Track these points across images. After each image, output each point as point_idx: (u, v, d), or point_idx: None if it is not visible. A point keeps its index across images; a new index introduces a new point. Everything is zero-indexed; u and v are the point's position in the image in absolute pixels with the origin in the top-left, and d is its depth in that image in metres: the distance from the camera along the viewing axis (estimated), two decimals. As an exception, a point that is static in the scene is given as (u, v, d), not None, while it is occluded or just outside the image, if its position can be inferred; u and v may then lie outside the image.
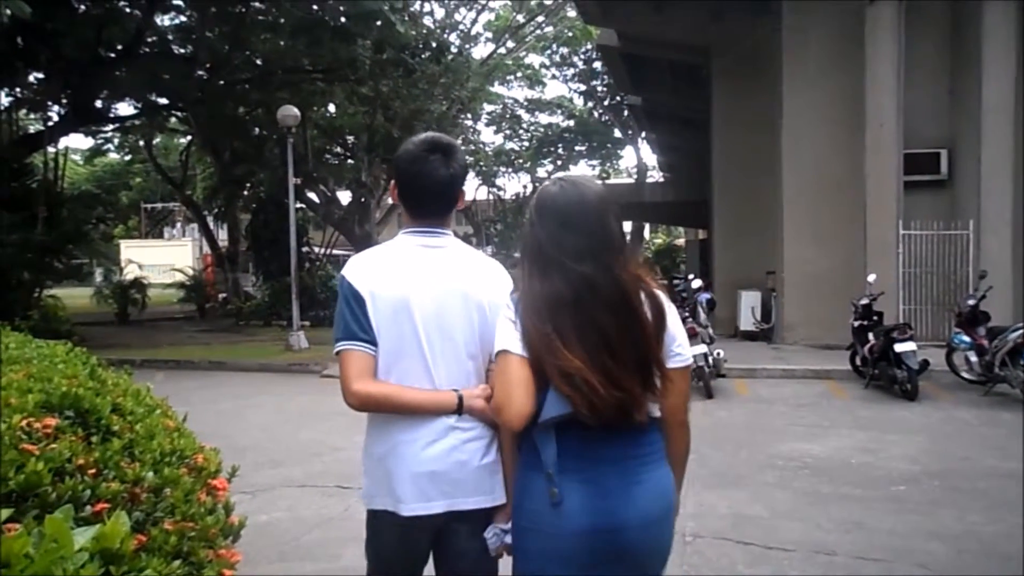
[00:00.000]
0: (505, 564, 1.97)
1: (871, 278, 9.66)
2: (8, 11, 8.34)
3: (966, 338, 8.53)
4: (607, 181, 36.48)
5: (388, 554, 2.05)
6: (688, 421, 1.93)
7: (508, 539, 1.91)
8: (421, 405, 1.93)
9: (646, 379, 1.78)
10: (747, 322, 13.80)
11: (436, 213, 2.03)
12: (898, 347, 8.17)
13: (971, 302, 8.76)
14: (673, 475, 1.90)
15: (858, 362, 9.34)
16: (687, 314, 9.40)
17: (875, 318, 9.16)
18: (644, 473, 1.80)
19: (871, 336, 8.90)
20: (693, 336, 8.78)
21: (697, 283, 10.11)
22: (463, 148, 2.21)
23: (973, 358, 8.49)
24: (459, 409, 1.93)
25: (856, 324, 9.26)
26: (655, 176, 37.29)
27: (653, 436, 1.84)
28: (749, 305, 13.86)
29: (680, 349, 1.86)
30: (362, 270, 1.97)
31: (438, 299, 1.95)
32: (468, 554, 1.98)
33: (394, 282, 1.94)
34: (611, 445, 1.77)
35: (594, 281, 1.76)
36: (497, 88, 31.75)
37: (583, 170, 41.41)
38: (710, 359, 8.70)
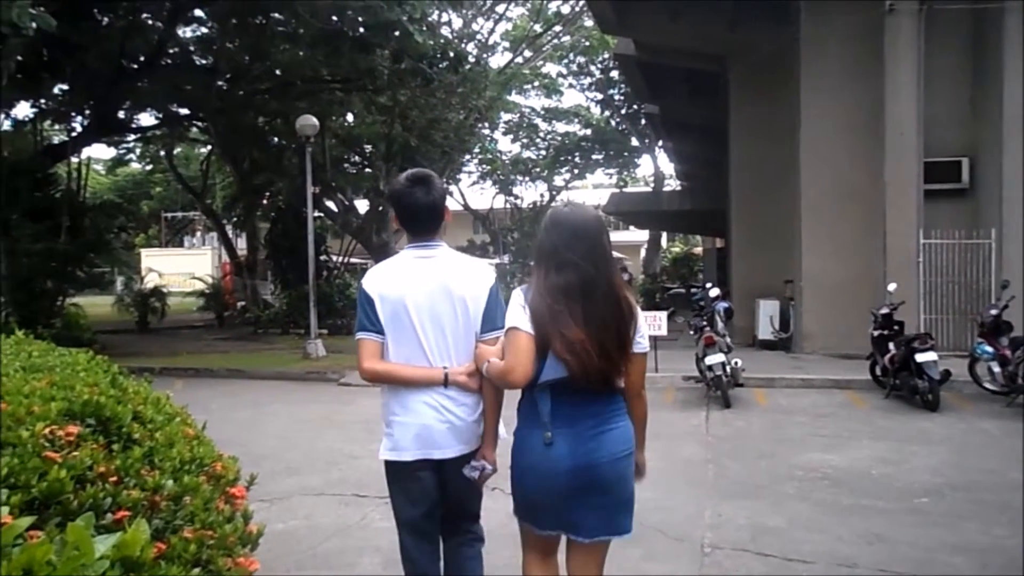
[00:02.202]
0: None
1: (891, 287, 9.55)
2: (34, 24, 8.47)
3: (989, 348, 8.42)
4: (624, 190, 36.47)
5: (407, 492, 2.69)
6: (643, 393, 2.59)
7: (474, 474, 2.62)
8: (415, 379, 2.60)
9: (623, 356, 2.43)
10: (765, 331, 13.69)
11: (427, 230, 2.67)
12: (919, 357, 8.07)
13: (993, 312, 8.65)
14: (635, 433, 2.54)
15: (878, 372, 9.22)
16: (704, 323, 9.33)
17: (895, 328, 9.05)
18: (613, 422, 2.44)
19: (891, 346, 8.79)
20: (711, 345, 8.73)
21: (715, 292, 10.03)
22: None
23: (996, 368, 8.37)
24: (445, 382, 2.59)
25: (876, 334, 9.16)
26: (672, 185, 37.15)
27: (618, 399, 2.49)
28: (767, 314, 13.75)
29: (642, 340, 2.51)
30: (373, 279, 2.67)
31: (429, 296, 2.59)
32: (456, 486, 2.67)
33: (395, 286, 2.61)
34: (589, 404, 2.41)
35: (596, 279, 2.39)
36: (514, 97, 31.79)
37: (600, 178, 41.62)
38: (728, 368, 8.62)
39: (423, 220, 2.65)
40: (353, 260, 23.53)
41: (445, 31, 21.26)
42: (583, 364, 2.31)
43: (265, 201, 23.27)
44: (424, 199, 2.63)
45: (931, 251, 11.64)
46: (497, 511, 4.78)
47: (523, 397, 2.46)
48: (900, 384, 8.57)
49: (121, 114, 18.04)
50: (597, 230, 2.46)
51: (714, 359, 8.59)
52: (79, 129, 17.65)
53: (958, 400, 8.54)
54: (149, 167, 35.11)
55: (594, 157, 36.32)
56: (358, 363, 2.64)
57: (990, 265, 11.41)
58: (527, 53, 28.51)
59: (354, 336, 2.67)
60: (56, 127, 20.79)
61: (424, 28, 14.02)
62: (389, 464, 2.69)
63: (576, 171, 38.16)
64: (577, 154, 36.17)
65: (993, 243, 11.38)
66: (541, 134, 35.84)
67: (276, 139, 20.19)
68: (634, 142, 34.80)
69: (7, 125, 17.13)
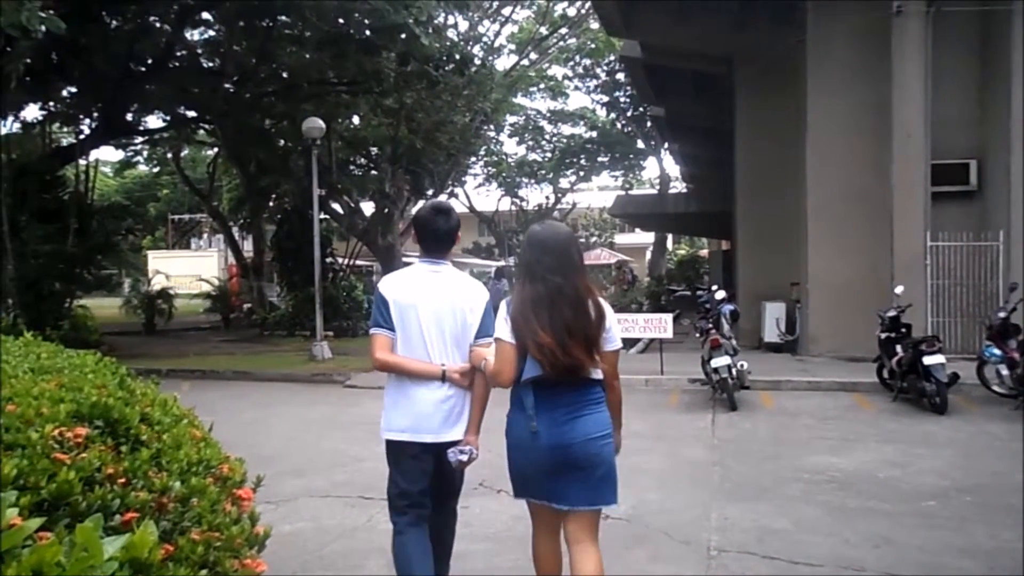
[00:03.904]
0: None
1: (899, 290, 9.52)
2: (43, 27, 8.53)
3: (997, 351, 8.38)
4: (630, 192, 36.47)
5: (403, 466, 3.16)
6: (616, 382, 2.99)
7: (463, 457, 3.06)
8: (418, 372, 3.09)
9: (589, 353, 2.82)
10: (771, 334, 13.66)
11: (440, 251, 3.22)
12: (927, 360, 8.04)
13: (1002, 314, 8.60)
14: (611, 416, 2.94)
15: (885, 375, 9.20)
16: (710, 325, 9.32)
17: (903, 330, 9.01)
18: (586, 410, 2.84)
19: (899, 348, 8.76)
20: (716, 347, 8.71)
21: (720, 294, 10.00)
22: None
23: (1004, 371, 8.32)
24: (443, 378, 3.07)
25: (883, 336, 9.13)
26: (678, 187, 37.12)
27: (595, 390, 2.89)
28: (773, 316, 13.72)
29: (613, 338, 2.93)
30: (390, 284, 3.19)
31: (435, 306, 3.10)
32: (445, 467, 3.11)
33: (408, 294, 3.13)
34: (565, 395, 2.84)
35: (561, 288, 2.82)
36: (520, 99, 31.81)
37: (605, 181, 41.70)
38: (734, 371, 8.59)
39: (440, 243, 3.21)
40: (359, 262, 23.53)
41: (451, 34, 21.28)
42: (551, 363, 2.75)
43: (271, 203, 23.30)
44: (444, 226, 3.20)
45: (939, 253, 11.60)
46: (502, 513, 4.80)
47: (513, 389, 2.93)
48: (907, 387, 8.54)
49: (129, 116, 18.11)
50: (565, 245, 2.92)
51: (720, 361, 8.56)
52: (87, 131, 17.73)
53: (966, 403, 8.51)
54: (156, 169, 35.26)
55: (600, 159, 36.31)
56: (370, 353, 3.15)
57: (998, 267, 11.36)
58: (533, 55, 28.53)
59: (368, 330, 3.20)
60: (64, 129, 20.88)
61: (430, 31, 14.04)
62: (389, 443, 3.17)
63: (582, 173, 38.15)
64: (583, 156, 36.17)
65: (1001, 245, 11.34)
66: (547, 136, 35.87)
67: (282, 141, 20.23)
68: (640, 144, 34.77)
69: (16, 127, 17.26)
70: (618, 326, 3.02)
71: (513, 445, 2.94)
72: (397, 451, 3.15)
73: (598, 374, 2.89)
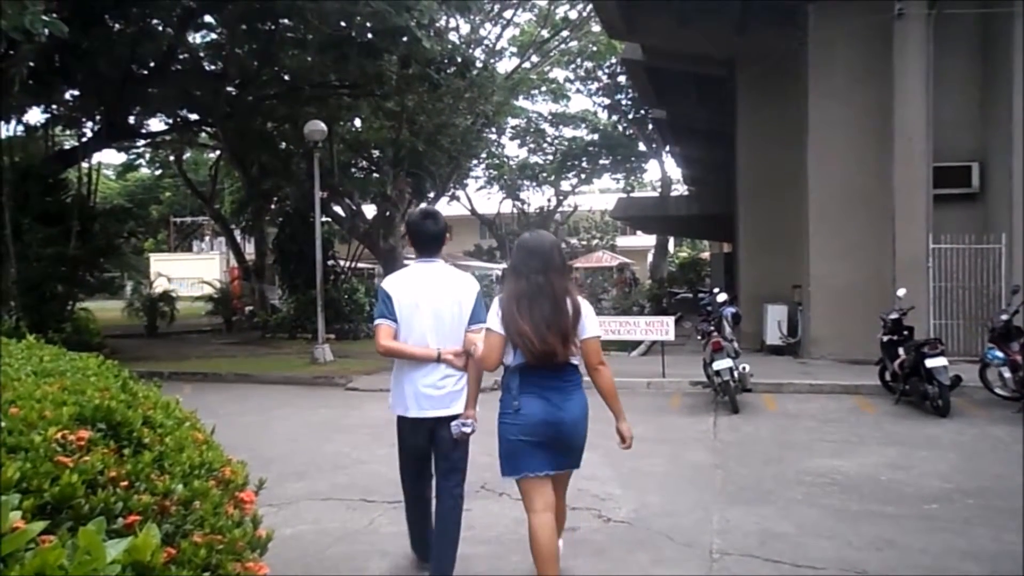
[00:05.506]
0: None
1: (901, 292, 9.51)
2: (46, 30, 8.54)
3: (999, 354, 8.37)
4: (631, 195, 36.45)
5: (406, 439, 3.78)
6: (600, 367, 3.42)
7: (465, 429, 3.55)
8: (417, 355, 3.60)
9: (565, 341, 3.28)
10: (773, 336, 13.65)
11: (431, 251, 3.73)
12: (929, 362, 8.03)
13: (1004, 317, 8.60)
14: (608, 404, 3.47)
15: (887, 377, 9.18)
16: (712, 328, 9.31)
17: (905, 333, 9.01)
18: (571, 393, 3.37)
19: (901, 351, 8.74)
20: (718, 350, 8.70)
21: (722, 297, 9.99)
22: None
23: (1007, 374, 8.32)
24: (438, 359, 3.57)
25: (885, 339, 9.11)
26: (680, 189, 37.12)
27: (574, 373, 3.41)
28: (775, 319, 13.71)
29: (588, 327, 3.38)
30: (393, 282, 3.70)
31: (433, 298, 3.60)
32: (446, 439, 3.63)
33: (409, 290, 3.63)
34: (549, 378, 3.34)
35: (542, 285, 3.30)
36: (522, 102, 31.81)
37: (607, 183, 41.74)
38: (735, 373, 8.57)
39: (430, 243, 3.71)
40: (360, 265, 23.53)
41: (453, 36, 21.26)
42: (528, 349, 3.24)
43: (273, 206, 23.30)
44: (433, 229, 3.71)
45: (941, 256, 11.59)
46: (503, 516, 4.80)
47: (503, 375, 3.44)
48: (910, 389, 8.52)
49: (131, 119, 18.10)
50: (549, 250, 3.39)
51: (722, 364, 8.55)
52: (90, 134, 17.73)
53: (968, 406, 8.49)
54: (159, 172, 35.30)
55: (601, 162, 36.32)
56: (376, 340, 3.62)
57: (1000, 270, 11.35)
58: (534, 58, 28.54)
59: (373, 323, 3.70)
60: (67, 132, 20.90)
61: (432, 33, 14.03)
62: (398, 417, 3.72)
63: (583, 176, 38.16)
64: (584, 159, 36.19)
65: (1003, 248, 11.32)
66: (548, 139, 35.88)
67: (284, 144, 20.23)
68: (641, 147, 34.78)
69: (19, 130, 17.27)
70: (595, 319, 3.47)
71: (502, 422, 3.39)
72: (401, 425, 3.74)
73: (575, 360, 3.38)
